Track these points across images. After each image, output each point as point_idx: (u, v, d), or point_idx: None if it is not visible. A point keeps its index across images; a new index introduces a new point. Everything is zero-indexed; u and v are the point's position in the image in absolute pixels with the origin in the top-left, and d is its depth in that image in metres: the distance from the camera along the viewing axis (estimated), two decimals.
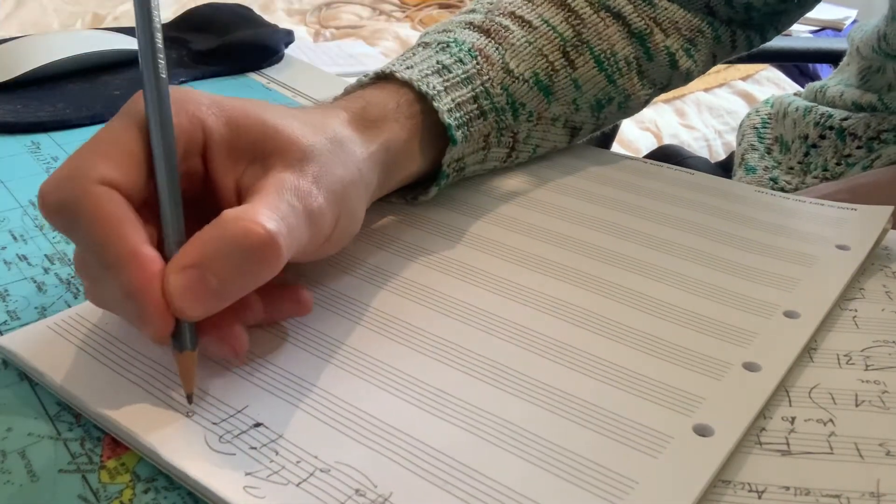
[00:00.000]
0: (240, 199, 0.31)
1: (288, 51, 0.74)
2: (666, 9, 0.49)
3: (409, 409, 0.29)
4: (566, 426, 0.28)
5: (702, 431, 0.28)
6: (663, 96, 1.81)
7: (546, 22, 0.46)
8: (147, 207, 0.29)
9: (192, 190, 0.31)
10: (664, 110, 1.79)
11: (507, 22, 0.46)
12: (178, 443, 0.27)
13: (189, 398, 0.29)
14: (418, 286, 0.36)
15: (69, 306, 0.35)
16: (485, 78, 0.43)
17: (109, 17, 1.93)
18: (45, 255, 0.41)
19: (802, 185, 0.66)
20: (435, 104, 0.40)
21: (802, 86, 0.89)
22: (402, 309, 0.35)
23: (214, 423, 0.28)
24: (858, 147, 0.63)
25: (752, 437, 0.29)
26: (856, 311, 0.36)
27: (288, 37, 0.75)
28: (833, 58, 0.99)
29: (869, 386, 0.31)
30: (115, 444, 0.29)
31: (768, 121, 0.76)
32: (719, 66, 1.90)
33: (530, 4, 0.47)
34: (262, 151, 0.31)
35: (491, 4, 0.48)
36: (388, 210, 0.43)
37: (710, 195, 0.45)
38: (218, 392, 0.30)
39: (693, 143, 1.72)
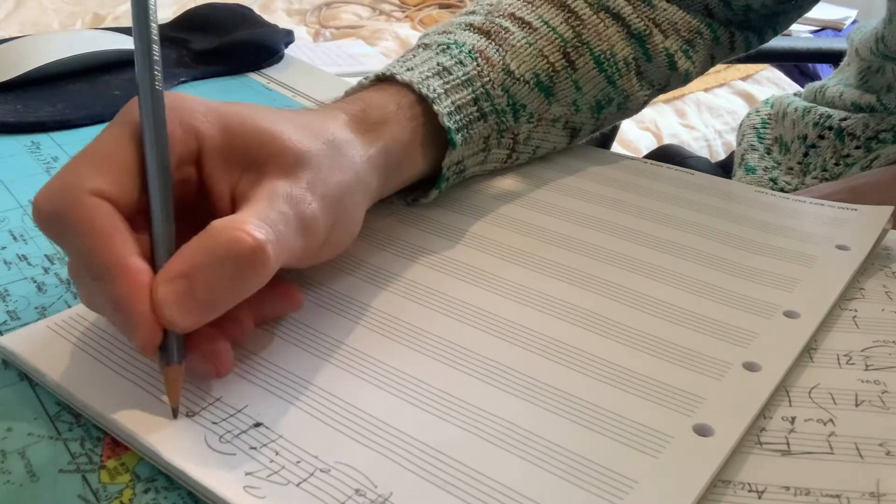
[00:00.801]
0: (234, 206, 0.31)
1: (288, 51, 0.74)
2: (665, 10, 0.49)
3: (409, 408, 0.29)
4: (566, 426, 0.28)
5: (702, 431, 0.28)
6: (663, 96, 1.81)
7: (546, 23, 0.46)
8: (140, 216, 0.29)
9: (186, 198, 0.31)
10: (664, 110, 1.79)
11: (506, 23, 0.46)
12: (178, 443, 0.27)
13: (174, 412, 0.28)
14: (418, 286, 0.36)
15: (69, 306, 0.35)
16: (485, 80, 0.43)
17: (109, 17, 1.93)
18: (45, 255, 0.41)
19: (802, 186, 0.66)
20: (435, 107, 0.40)
21: (802, 86, 0.89)
22: (402, 309, 0.35)
23: (214, 423, 0.28)
24: (857, 147, 0.63)
25: (752, 437, 0.29)
26: (856, 311, 0.36)
27: (288, 37, 0.75)
28: (833, 58, 0.99)
29: (869, 386, 0.31)
30: (115, 444, 0.29)
31: (768, 121, 0.76)
32: (719, 66, 1.90)
33: (530, 6, 0.47)
34: (256, 158, 0.31)
35: (490, 6, 0.48)
36: (388, 210, 0.43)
37: (709, 195, 0.45)
38: (218, 392, 0.30)
39: (693, 143, 1.72)
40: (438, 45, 0.44)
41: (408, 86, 0.40)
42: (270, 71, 0.70)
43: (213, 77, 0.68)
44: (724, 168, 0.88)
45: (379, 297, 0.36)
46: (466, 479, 0.26)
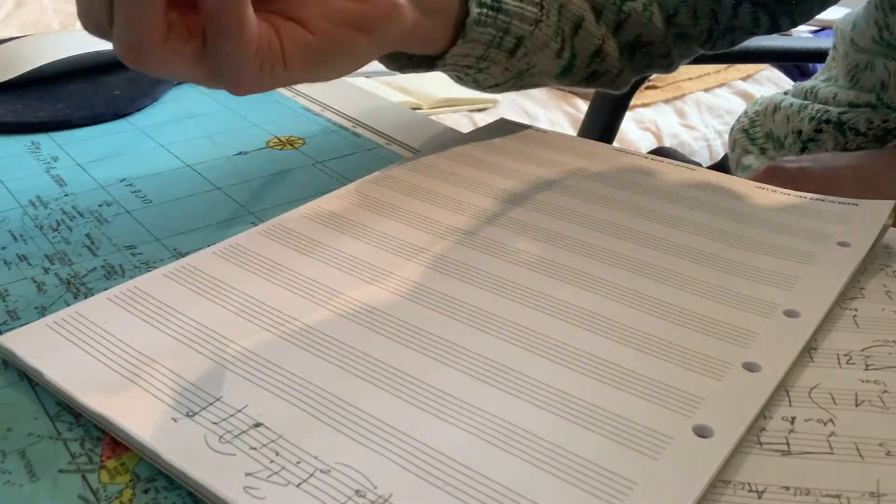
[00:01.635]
0: None
1: None
2: None
3: (409, 409, 0.29)
4: (565, 427, 0.28)
5: (701, 432, 0.28)
6: (663, 96, 1.81)
7: None
8: None
9: None
10: (664, 110, 1.79)
11: None
12: (178, 443, 0.27)
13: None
14: (418, 286, 0.36)
15: (69, 306, 0.35)
16: None
17: None
18: (45, 255, 0.41)
19: None
20: None
21: None
22: (402, 309, 0.35)
23: (214, 423, 0.28)
24: (866, 141, 0.62)
25: (752, 437, 0.29)
26: (856, 310, 0.36)
27: None
28: None
29: (869, 386, 0.31)
30: (115, 444, 0.29)
31: (756, 119, 0.75)
32: (719, 66, 1.90)
33: None
34: None
35: None
36: (389, 211, 0.43)
37: (710, 193, 0.45)
38: (218, 392, 0.30)
39: (693, 144, 1.72)
40: None
41: None
42: None
43: None
44: (719, 170, 0.88)
45: (378, 296, 0.36)
46: (466, 480, 0.26)
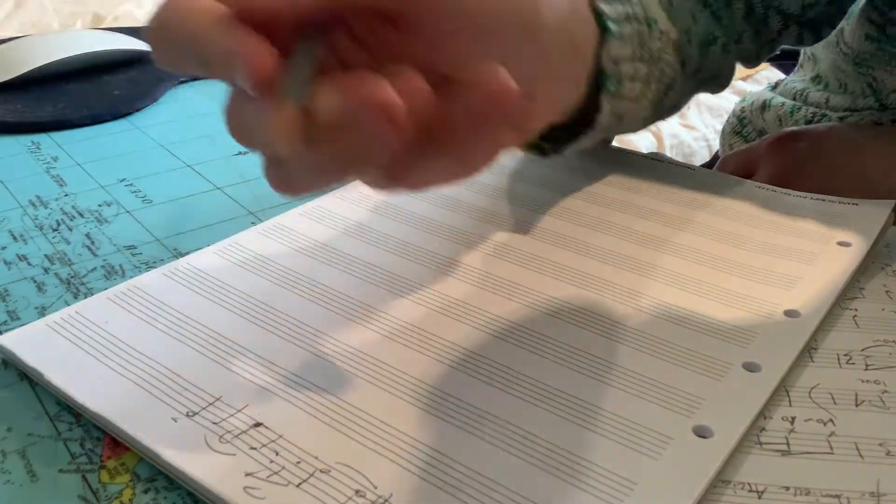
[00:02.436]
0: None
1: None
2: None
3: (410, 409, 0.29)
4: (566, 427, 0.28)
5: (701, 432, 0.28)
6: None
7: None
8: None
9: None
10: None
11: None
12: (178, 443, 0.27)
13: (281, 145, 0.22)
14: (419, 287, 0.36)
15: (69, 306, 0.35)
16: None
17: (109, 17, 1.93)
18: (45, 255, 0.41)
19: None
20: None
21: None
22: (404, 310, 0.35)
23: (214, 423, 0.28)
24: None
25: (752, 437, 0.29)
26: (856, 310, 0.36)
27: None
28: None
29: (869, 386, 0.31)
30: (115, 444, 0.29)
31: (743, 115, 0.74)
32: None
33: None
34: None
35: None
36: (389, 210, 0.43)
37: (709, 194, 0.45)
38: (218, 392, 0.30)
39: (693, 144, 1.72)
40: None
41: None
42: None
43: None
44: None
45: (380, 297, 0.36)
46: (466, 480, 0.26)
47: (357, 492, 0.26)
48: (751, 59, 0.53)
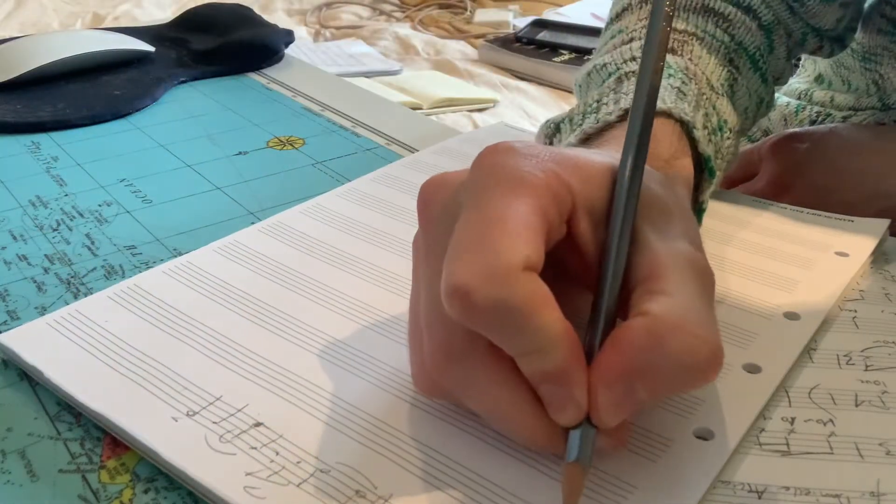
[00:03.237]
0: (600, 259, 0.28)
1: (288, 51, 0.74)
2: (777, 6, 0.48)
3: (410, 410, 0.29)
4: None
5: (702, 435, 0.28)
6: None
7: (706, 31, 0.44)
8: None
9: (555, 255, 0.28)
10: None
11: (680, 37, 0.43)
12: (178, 443, 0.27)
13: None
14: None
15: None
16: (704, 98, 0.40)
17: (109, 17, 1.93)
18: (45, 255, 0.41)
19: None
20: (695, 134, 0.37)
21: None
22: (404, 310, 0.35)
23: (214, 423, 0.28)
24: None
25: (752, 437, 0.29)
26: (855, 311, 0.36)
27: (288, 37, 0.75)
28: None
29: (869, 386, 0.31)
30: (115, 444, 0.29)
31: None
32: None
33: (680, 20, 0.45)
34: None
35: (635, 26, 0.45)
36: (388, 209, 0.43)
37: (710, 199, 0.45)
38: (218, 391, 0.30)
39: None
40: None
41: (666, 114, 0.37)
42: (270, 71, 0.70)
43: (213, 77, 0.68)
44: None
45: (382, 298, 0.36)
46: (467, 482, 0.26)
47: (357, 492, 0.26)
48: (784, 84, 0.53)
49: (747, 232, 0.41)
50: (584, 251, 0.28)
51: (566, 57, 1.82)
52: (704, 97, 0.40)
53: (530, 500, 0.25)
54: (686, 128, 0.37)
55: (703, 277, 0.27)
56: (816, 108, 0.65)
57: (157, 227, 0.44)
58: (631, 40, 0.44)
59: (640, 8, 0.46)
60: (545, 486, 0.26)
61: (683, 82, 0.39)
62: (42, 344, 0.32)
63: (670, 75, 0.39)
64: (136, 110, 0.60)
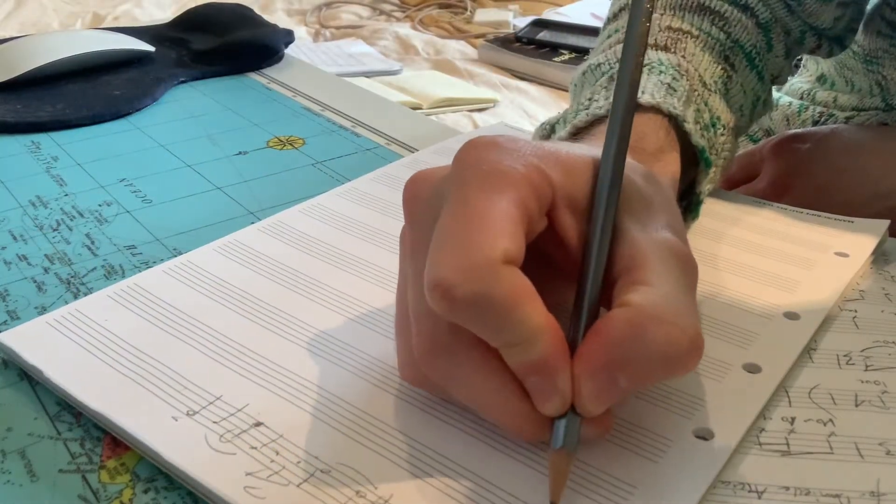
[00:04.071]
0: (580, 250, 0.28)
1: (288, 51, 0.74)
2: (775, 4, 0.48)
3: (411, 411, 0.29)
4: None
5: (702, 435, 0.28)
6: None
7: (701, 29, 0.44)
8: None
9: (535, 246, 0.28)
10: None
11: (674, 35, 0.43)
12: (178, 442, 0.27)
13: None
14: None
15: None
16: (696, 94, 0.40)
17: (109, 17, 1.93)
18: (45, 255, 0.41)
19: None
20: (686, 127, 0.37)
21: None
22: None
23: (215, 423, 0.28)
24: None
25: (752, 437, 0.29)
26: (855, 311, 0.36)
27: (288, 37, 0.75)
28: None
29: (869, 386, 0.31)
30: (115, 444, 0.29)
31: None
32: None
33: (676, 18, 0.45)
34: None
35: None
36: (388, 209, 0.43)
37: (710, 201, 0.45)
38: (218, 391, 0.30)
39: None
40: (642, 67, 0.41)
41: (654, 108, 0.37)
42: (270, 71, 0.70)
43: (213, 77, 0.68)
44: None
45: (379, 296, 0.36)
46: (467, 483, 0.26)
47: (357, 492, 0.26)
48: (783, 83, 0.53)
49: (747, 232, 0.41)
50: (567, 243, 0.28)
51: (566, 57, 1.82)
52: (696, 93, 0.40)
53: (530, 503, 0.25)
54: (675, 122, 0.37)
55: (685, 268, 0.27)
56: (819, 109, 0.65)
57: (157, 227, 0.44)
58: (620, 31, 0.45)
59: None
60: (545, 488, 0.26)
61: (674, 78, 0.40)
62: (42, 343, 0.32)
63: (661, 72, 0.40)
64: (136, 110, 0.60)
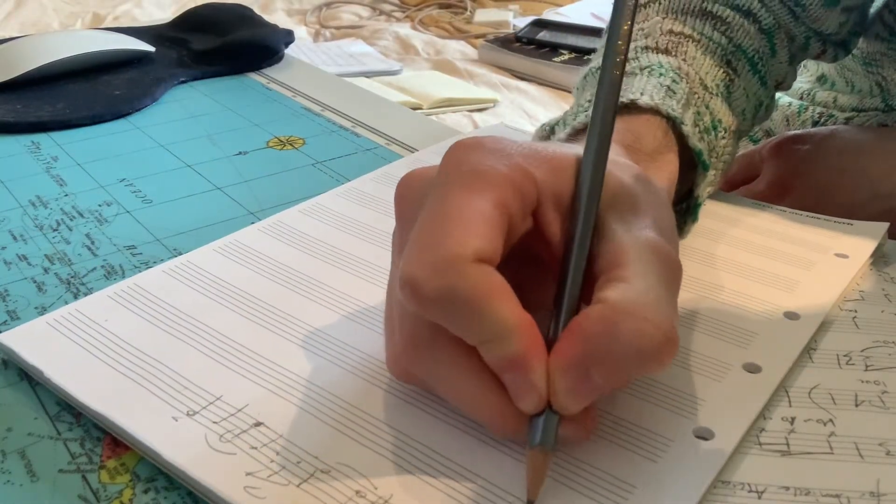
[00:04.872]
0: (563, 247, 0.28)
1: (288, 51, 0.74)
2: (780, 9, 0.48)
3: (410, 410, 0.29)
4: None
5: (702, 434, 0.28)
6: None
7: (702, 34, 0.44)
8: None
9: (520, 244, 0.29)
10: None
11: (675, 39, 0.43)
12: (178, 442, 0.27)
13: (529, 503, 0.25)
14: None
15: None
16: (696, 97, 0.40)
17: (109, 17, 1.93)
18: (45, 255, 0.41)
19: None
20: (684, 129, 0.37)
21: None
22: None
23: (214, 423, 0.28)
24: None
25: (752, 437, 0.29)
26: (855, 311, 0.36)
27: (288, 37, 0.75)
28: None
29: (869, 386, 0.31)
30: (115, 444, 0.29)
31: None
32: None
33: (678, 22, 0.45)
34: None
35: (641, 31, 0.45)
36: (388, 209, 0.43)
37: (710, 202, 0.45)
38: (218, 391, 0.30)
39: None
40: (641, 70, 0.41)
41: (653, 109, 0.37)
42: (270, 71, 0.70)
43: (213, 77, 0.68)
44: None
45: (380, 297, 0.36)
46: (467, 483, 0.26)
47: (357, 492, 0.26)
48: (787, 89, 0.53)
49: (747, 233, 0.41)
50: (552, 242, 0.28)
51: (566, 57, 1.82)
52: (696, 96, 0.40)
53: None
54: (673, 124, 0.38)
55: (667, 266, 0.27)
56: (819, 109, 0.65)
57: (157, 227, 0.44)
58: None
59: (639, 12, 0.46)
60: (546, 488, 0.26)
61: (674, 80, 0.40)
62: (42, 343, 0.32)
63: (661, 74, 0.40)
64: (136, 110, 0.60)
